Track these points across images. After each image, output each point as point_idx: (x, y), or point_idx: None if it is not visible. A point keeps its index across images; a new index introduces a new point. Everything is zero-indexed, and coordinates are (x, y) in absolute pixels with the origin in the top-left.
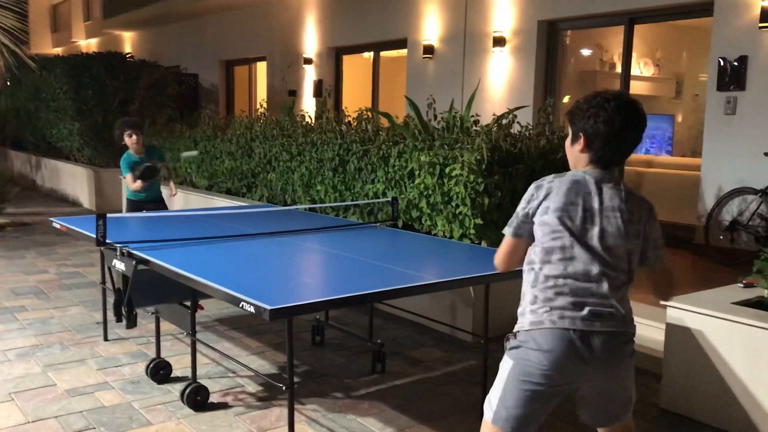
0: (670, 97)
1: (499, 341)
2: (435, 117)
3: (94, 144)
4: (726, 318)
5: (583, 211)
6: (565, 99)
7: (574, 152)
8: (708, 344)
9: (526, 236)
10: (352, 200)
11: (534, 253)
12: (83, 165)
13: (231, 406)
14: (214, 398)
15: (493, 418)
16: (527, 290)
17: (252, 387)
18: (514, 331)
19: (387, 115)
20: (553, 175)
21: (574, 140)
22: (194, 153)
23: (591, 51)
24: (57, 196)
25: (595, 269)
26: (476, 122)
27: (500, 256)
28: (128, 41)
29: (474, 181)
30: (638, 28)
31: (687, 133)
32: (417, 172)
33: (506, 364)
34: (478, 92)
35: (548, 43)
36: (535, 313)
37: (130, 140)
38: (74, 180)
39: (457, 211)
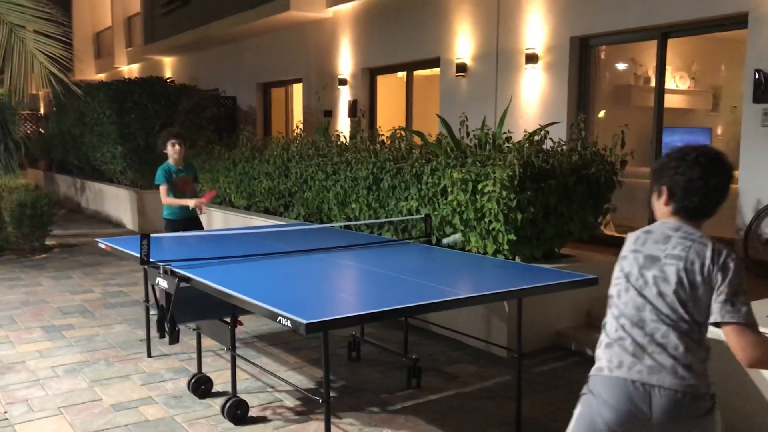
0: (708, 110)
1: (534, 357)
2: (468, 134)
3: (137, 167)
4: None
5: (644, 258)
6: (601, 114)
7: (660, 206)
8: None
9: None
10: (387, 218)
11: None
12: (126, 187)
13: (270, 420)
14: (253, 412)
15: None
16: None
17: (290, 401)
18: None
19: (420, 134)
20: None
21: (659, 195)
22: (457, 236)
23: (625, 65)
24: (101, 218)
25: (647, 316)
26: (508, 139)
27: None
28: (169, 66)
29: (506, 197)
30: (674, 42)
31: (725, 146)
32: (450, 189)
33: None
34: (511, 109)
35: (581, 59)
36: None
37: (172, 149)
38: (117, 202)
39: (491, 227)
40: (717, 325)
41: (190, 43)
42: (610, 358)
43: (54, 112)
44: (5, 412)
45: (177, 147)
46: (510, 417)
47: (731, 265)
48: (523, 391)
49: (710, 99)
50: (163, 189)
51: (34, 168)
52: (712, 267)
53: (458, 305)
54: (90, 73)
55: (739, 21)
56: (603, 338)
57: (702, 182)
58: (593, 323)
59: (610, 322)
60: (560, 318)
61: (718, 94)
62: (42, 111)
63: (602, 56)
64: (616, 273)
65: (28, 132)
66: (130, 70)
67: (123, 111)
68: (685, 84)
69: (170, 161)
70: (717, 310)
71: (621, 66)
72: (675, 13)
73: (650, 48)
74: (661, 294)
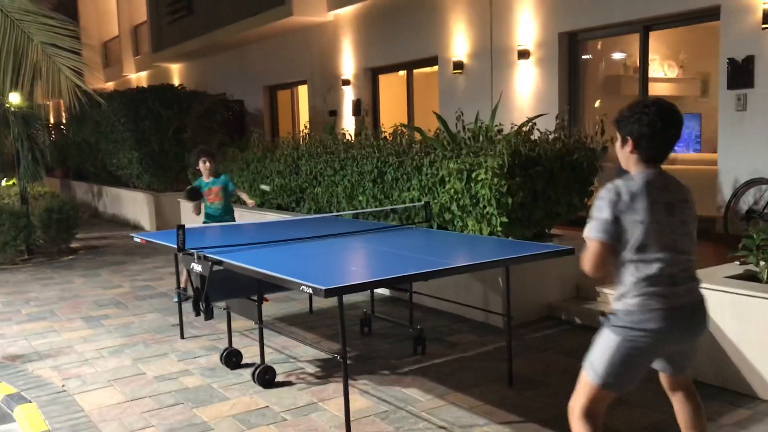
0: (696, 96)
1: (528, 326)
2: (464, 128)
3: (153, 170)
4: (718, 289)
5: (664, 206)
6: (597, 103)
7: (625, 154)
8: None
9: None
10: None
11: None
12: (143, 191)
13: (294, 384)
14: (279, 378)
15: None
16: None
17: (311, 369)
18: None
19: (419, 130)
20: (621, 182)
21: (624, 143)
22: (266, 188)
23: (614, 57)
24: (119, 221)
25: (677, 253)
26: (500, 131)
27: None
28: (176, 72)
29: (498, 183)
30: (661, 32)
31: (715, 131)
32: (447, 179)
33: None
34: (506, 102)
35: (569, 53)
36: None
37: (203, 166)
38: (135, 205)
39: (485, 212)
40: None
41: (196, 49)
42: (659, 293)
43: (71, 121)
44: (63, 386)
45: (207, 164)
46: (504, 375)
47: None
48: (517, 354)
49: (699, 85)
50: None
51: (50, 176)
52: (693, 204)
53: (452, 273)
54: (99, 82)
55: (712, 14)
56: (635, 279)
57: (664, 133)
58: (581, 295)
59: (640, 267)
60: (552, 291)
61: (706, 80)
62: (51, 120)
63: (591, 49)
64: (641, 222)
65: (46, 141)
66: (139, 78)
67: (138, 118)
68: (673, 72)
69: (202, 176)
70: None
71: (610, 58)
72: (655, 8)
73: (637, 40)
74: (686, 233)
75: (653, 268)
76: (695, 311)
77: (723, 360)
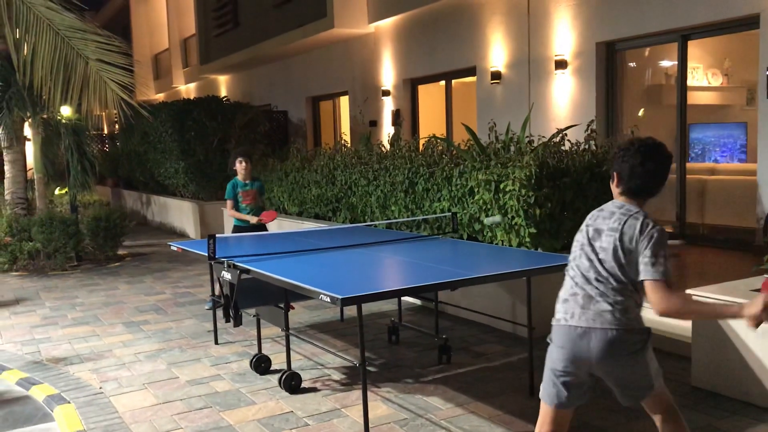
0: (742, 105)
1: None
2: (497, 139)
3: (198, 180)
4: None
5: (593, 231)
6: (640, 113)
7: (613, 188)
8: (729, 327)
9: None
10: (422, 218)
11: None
12: (188, 200)
13: (319, 390)
14: (305, 384)
15: None
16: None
17: (337, 376)
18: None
19: (449, 142)
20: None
21: (612, 179)
22: (497, 219)
23: (655, 66)
24: (166, 229)
25: (592, 276)
26: (531, 142)
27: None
28: (223, 83)
29: (525, 194)
30: (704, 40)
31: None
32: (476, 190)
33: None
34: (543, 112)
35: (607, 63)
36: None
37: (240, 166)
38: (181, 213)
39: (513, 222)
40: (641, 282)
41: (242, 61)
42: (565, 311)
43: (121, 132)
44: (100, 388)
45: (243, 164)
46: (526, 385)
47: (655, 234)
48: (540, 365)
49: (744, 94)
50: (228, 203)
51: (101, 185)
52: (639, 236)
53: (468, 284)
54: (150, 93)
55: (752, 22)
56: (561, 295)
57: (641, 167)
58: None
59: (566, 281)
60: None
61: (753, 89)
62: (105, 131)
63: (630, 59)
64: (574, 243)
65: (95, 152)
66: (188, 89)
67: (183, 129)
68: (717, 81)
69: (238, 177)
70: (641, 270)
71: (650, 67)
72: (693, 17)
73: (676, 49)
74: (601, 260)
75: (570, 284)
76: (600, 338)
77: (746, 374)
